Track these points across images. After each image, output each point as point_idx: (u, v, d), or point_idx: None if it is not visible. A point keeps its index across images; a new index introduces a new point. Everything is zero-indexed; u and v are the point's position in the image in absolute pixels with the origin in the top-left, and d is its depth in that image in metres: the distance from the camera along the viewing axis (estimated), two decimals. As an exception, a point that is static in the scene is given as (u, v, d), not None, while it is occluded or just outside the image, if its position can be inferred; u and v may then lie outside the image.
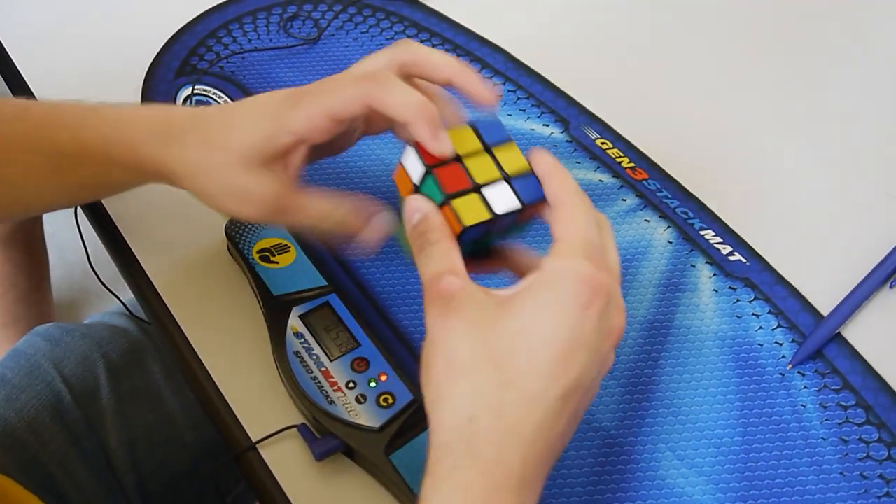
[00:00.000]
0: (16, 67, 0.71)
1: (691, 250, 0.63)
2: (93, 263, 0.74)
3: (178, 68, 0.73)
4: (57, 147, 0.51)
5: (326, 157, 0.54)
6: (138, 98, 0.71)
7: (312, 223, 0.51)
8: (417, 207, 0.45)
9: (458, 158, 0.46)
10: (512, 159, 0.46)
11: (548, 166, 0.45)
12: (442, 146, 0.45)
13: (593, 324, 0.40)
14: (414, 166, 0.46)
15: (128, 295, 0.75)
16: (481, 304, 0.41)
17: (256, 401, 0.54)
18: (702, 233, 0.63)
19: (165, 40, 0.75)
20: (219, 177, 0.49)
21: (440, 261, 0.43)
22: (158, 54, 0.74)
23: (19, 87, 0.70)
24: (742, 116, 0.72)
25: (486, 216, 0.44)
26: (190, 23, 0.76)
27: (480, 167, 0.46)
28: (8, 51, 0.73)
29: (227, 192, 0.50)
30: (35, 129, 0.52)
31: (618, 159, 0.68)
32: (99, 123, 0.51)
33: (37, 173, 0.52)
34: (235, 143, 0.48)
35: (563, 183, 0.45)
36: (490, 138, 0.47)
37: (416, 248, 0.44)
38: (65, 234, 1.54)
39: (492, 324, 0.40)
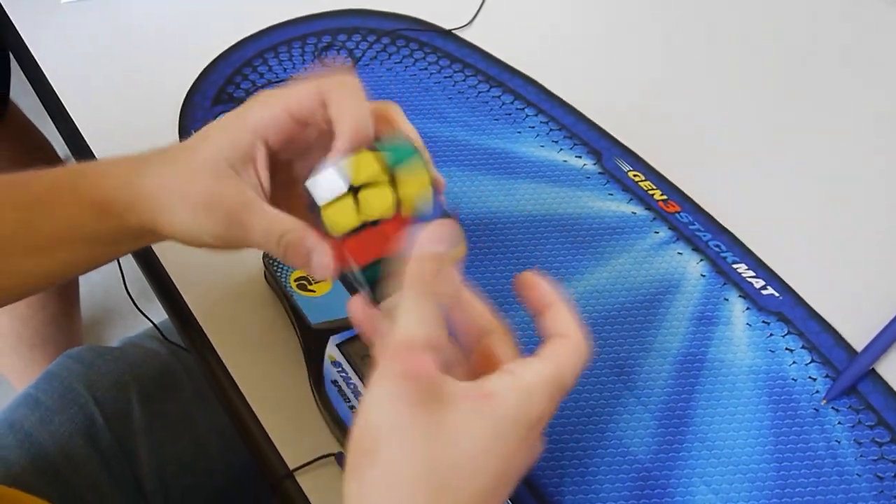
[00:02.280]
0: (57, 96, 0.73)
1: (724, 284, 0.63)
2: (117, 285, 0.74)
3: (215, 96, 0.74)
4: (25, 193, 0.50)
5: (299, 168, 0.52)
6: (176, 124, 0.72)
7: (259, 244, 0.47)
8: (443, 236, 0.41)
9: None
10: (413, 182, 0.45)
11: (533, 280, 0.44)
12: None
13: (527, 448, 0.40)
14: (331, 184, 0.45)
15: (158, 317, 0.76)
16: (443, 399, 0.38)
17: (293, 429, 0.54)
18: (735, 266, 0.64)
19: (202, 68, 0.76)
20: (182, 191, 0.47)
21: (433, 324, 0.39)
22: (196, 82, 0.75)
23: (60, 115, 0.72)
24: (776, 151, 0.73)
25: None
26: (226, 51, 0.78)
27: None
28: (49, 79, 0.74)
29: (192, 204, 0.47)
30: (8, 180, 0.51)
31: (650, 192, 0.68)
32: (73, 167, 0.51)
33: (8, 228, 0.50)
34: (201, 155, 0.47)
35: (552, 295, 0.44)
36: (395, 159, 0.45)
37: (411, 287, 0.40)
38: (89, 254, 1.56)
39: (437, 437, 0.37)
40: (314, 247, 0.45)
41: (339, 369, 0.54)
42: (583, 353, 0.42)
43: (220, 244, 0.48)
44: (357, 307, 0.44)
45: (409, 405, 0.37)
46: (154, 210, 0.48)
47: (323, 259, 0.45)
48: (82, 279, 1.46)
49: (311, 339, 0.56)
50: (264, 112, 0.47)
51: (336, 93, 0.46)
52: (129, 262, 0.66)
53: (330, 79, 0.47)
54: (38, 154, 1.09)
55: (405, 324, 0.38)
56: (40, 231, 0.50)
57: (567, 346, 0.42)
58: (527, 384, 0.39)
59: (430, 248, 0.40)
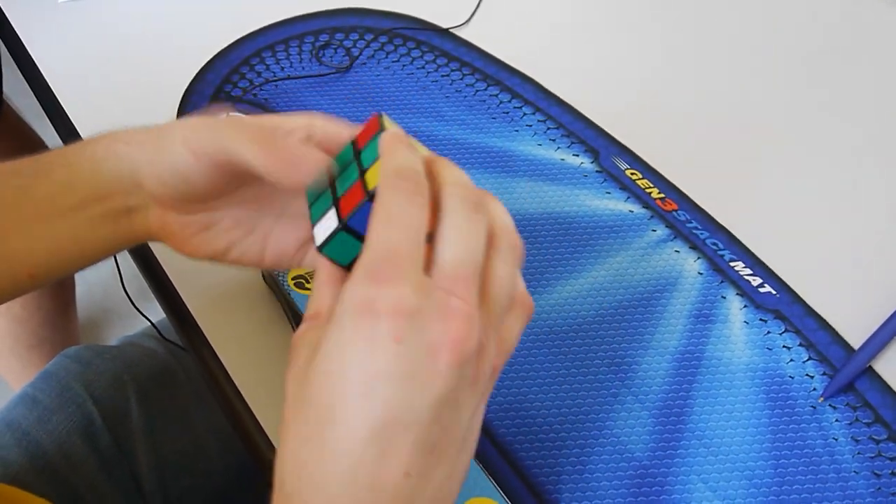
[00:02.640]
0: (54, 95, 0.73)
1: (721, 282, 0.63)
2: (114, 284, 0.74)
3: (213, 95, 0.74)
4: (35, 162, 0.50)
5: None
6: (173, 124, 0.72)
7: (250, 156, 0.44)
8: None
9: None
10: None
11: (384, 143, 0.40)
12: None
13: (390, 350, 0.33)
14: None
15: (155, 316, 0.77)
16: (308, 347, 0.36)
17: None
18: (732, 264, 0.64)
19: (200, 67, 0.76)
20: (169, 135, 0.45)
21: (308, 306, 0.39)
22: (193, 81, 0.75)
23: (57, 114, 0.72)
24: (774, 149, 0.73)
25: None
26: (224, 50, 0.78)
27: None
28: (46, 78, 0.74)
29: (179, 140, 0.45)
30: (21, 160, 0.50)
31: (647, 190, 0.68)
32: (62, 148, 0.50)
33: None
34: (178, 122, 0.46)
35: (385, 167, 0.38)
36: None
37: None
38: (87, 254, 1.56)
39: (303, 374, 0.36)
40: (301, 154, 0.43)
41: (337, 368, 0.54)
42: (398, 201, 0.37)
43: (194, 165, 0.45)
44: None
45: (291, 367, 0.37)
46: (150, 143, 0.46)
47: (310, 164, 0.43)
48: (79, 279, 1.46)
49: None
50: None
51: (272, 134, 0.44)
52: (126, 261, 0.66)
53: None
54: (32, 153, 1.09)
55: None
56: (34, 197, 0.49)
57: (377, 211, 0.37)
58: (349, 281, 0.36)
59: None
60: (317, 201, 0.43)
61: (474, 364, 0.35)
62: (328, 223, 0.41)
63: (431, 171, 0.39)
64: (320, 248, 0.41)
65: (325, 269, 0.39)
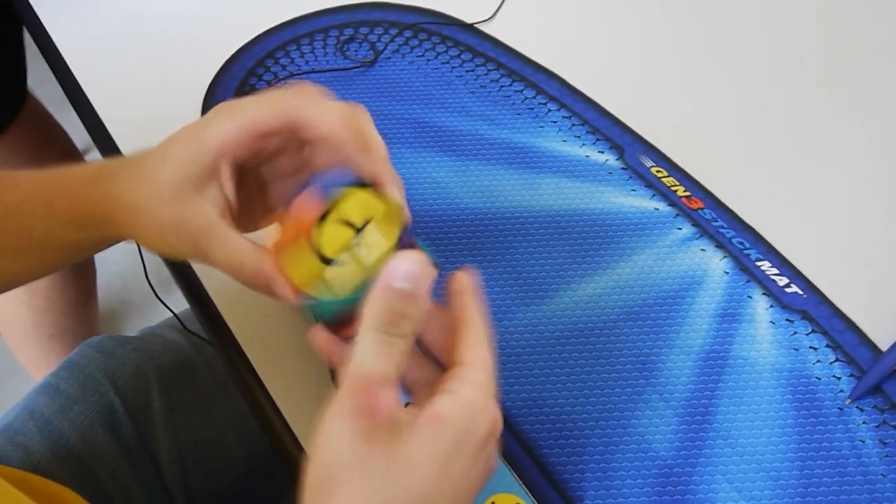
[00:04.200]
0: (80, 87, 0.73)
1: (748, 281, 0.62)
2: (134, 276, 0.75)
3: (238, 88, 0.74)
4: (3, 201, 0.51)
5: (267, 172, 0.52)
6: (198, 115, 0.72)
7: (222, 270, 0.47)
8: (409, 274, 0.38)
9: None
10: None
11: (468, 286, 0.44)
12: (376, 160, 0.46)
13: (482, 461, 0.41)
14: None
15: (176, 307, 0.77)
16: (398, 433, 0.38)
17: (314, 419, 0.54)
18: (758, 264, 0.63)
19: (225, 59, 0.76)
20: (150, 213, 0.47)
21: (395, 363, 0.38)
22: (218, 74, 0.75)
23: (83, 106, 0.72)
24: (800, 147, 0.72)
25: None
26: (249, 43, 0.78)
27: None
28: (73, 70, 0.74)
29: (161, 226, 0.47)
30: None
31: (673, 188, 0.68)
32: (42, 177, 0.51)
33: None
34: (162, 176, 0.46)
35: (476, 306, 0.44)
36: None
37: (376, 322, 0.38)
38: (107, 245, 1.57)
39: (393, 470, 0.37)
40: (272, 278, 0.46)
41: (362, 361, 0.54)
42: (486, 333, 0.43)
43: (194, 259, 0.49)
44: (320, 336, 0.45)
45: (365, 442, 0.37)
46: (131, 226, 0.48)
47: (283, 291, 0.46)
48: (100, 270, 1.47)
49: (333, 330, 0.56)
50: (223, 129, 0.46)
51: (310, 103, 0.46)
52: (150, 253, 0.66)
53: (294, 93, 0.47)
54: (55, 145, 1.09)
55: (362, 360, 0.37)
56: (15, 236, 0.51)
57: (473, 334, 0.43)
58: (470, 400, 0.40)
59: (393, 284, 0.38)
60: None
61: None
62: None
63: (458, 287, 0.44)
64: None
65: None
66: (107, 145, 0.69)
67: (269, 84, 0.74)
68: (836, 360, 0.59)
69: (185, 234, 0.47)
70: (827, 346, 0.59)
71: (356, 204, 0.45)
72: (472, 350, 0.42)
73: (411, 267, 0.37)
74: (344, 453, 0.37)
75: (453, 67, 0.77)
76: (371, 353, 0.37)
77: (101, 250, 0.55)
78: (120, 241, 0.52)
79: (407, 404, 0.45)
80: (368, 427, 0.37)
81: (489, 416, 0.40)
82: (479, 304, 0.44)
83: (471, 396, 0.40)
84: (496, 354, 0.43)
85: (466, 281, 0.44)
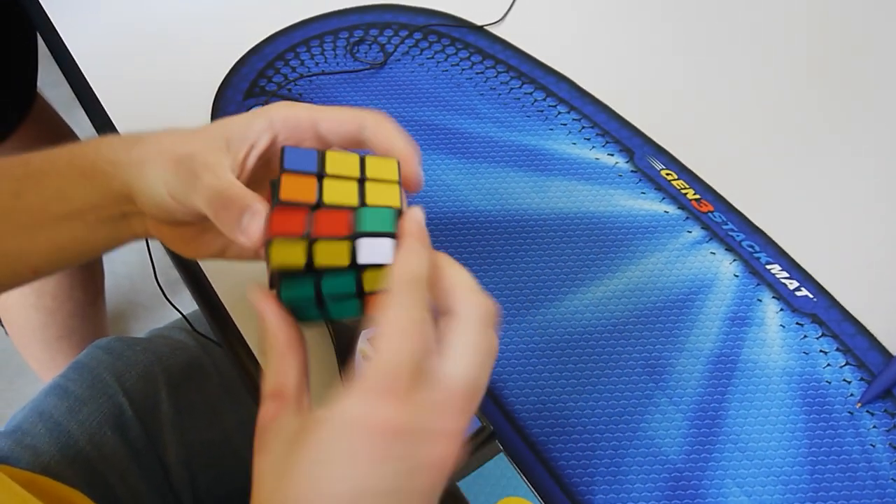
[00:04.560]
0: (90, 87, 0.73)
1: (757, 284, 0.62)
2: (142, 277, 0.75)
3: (247, 90, 0.74)
4: (25, 166, 0.50)
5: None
6: (208, 117, 0.72)
7: (201, 200, 0.45)
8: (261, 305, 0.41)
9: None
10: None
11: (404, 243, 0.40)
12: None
13: (378, 470, 0.36)
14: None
15: (184, 309, 0.77)
16: (284, 438, 0.37)
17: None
18: (768, 267, 0.63)
19: (235, 61, 0.76)
20: (169, 147, 0.46)
21: (268, 377, 0.40)
22: (228, 75, 0.75)
23: (93, 106, 0.72)
24: (810, 150, 0.72)
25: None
26: (259, 45, 0.78)
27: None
28: (84, 71, 0.74)
29: (166, 157, 0.46)
30: (12, 158, 0.51)
31: (683, 191, 0.68)
32: (73, 144, 0.50)
33: None
34: (211, 126, 0.47)
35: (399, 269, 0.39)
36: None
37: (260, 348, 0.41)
38: (115, 246, 1.57)
39: (284, 469, 0.37)
40: (251, 208, 0.42)
41: (371, 363, 0.54)
42: (405, 315, 0.38)
43: (174, 202, 0.46)
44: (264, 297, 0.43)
45: (259, 455, 0.38)
46: (134, 167, 0.47)
47: (253, 222, 0.42)
48: (108, 271, 1.47)
49: (343, 333, 0.56)
50: (290, 111, 0.47)
51: (379, 129, 0.46)
52: (159, 252, 0.66)
53: (369, 113, 0.47)
54: (62, 143, 1.10)
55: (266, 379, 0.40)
56: (28, 204, 0.49)
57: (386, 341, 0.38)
58: (351, 393, 0.37)
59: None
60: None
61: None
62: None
63: (435, 264, 0.40)
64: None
65: (281, 333, 0.40)
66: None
67: (279, 86, 0.74)
68: (847, 363, 0.58)
69: (186, 164, 0.45)
70: (837, 349, 0.59)
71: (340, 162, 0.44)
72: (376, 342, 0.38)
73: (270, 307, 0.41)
74: (255, 474, 0.38)
75: (463, 70, 0.77)
76: (269, 371, 0.41)
77: (110, 233, 0.52)
78: (124, 224, 0.50)
79: None
80: (259, 443, 0.39)
81: (371, 429, 0.36)
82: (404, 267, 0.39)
83: (341, 406, 0.37)
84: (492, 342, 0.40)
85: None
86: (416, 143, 0.47)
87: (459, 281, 0.40)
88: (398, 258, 0.39)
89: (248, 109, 0.72)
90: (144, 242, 0.69)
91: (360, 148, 0.47)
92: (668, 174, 0.69)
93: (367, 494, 0.35)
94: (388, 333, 0.37)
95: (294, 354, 0.41)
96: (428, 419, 0.37)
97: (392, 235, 0.40)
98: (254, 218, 0.42)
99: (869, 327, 0.60)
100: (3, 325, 1.24)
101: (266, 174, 0.49)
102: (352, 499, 0.35)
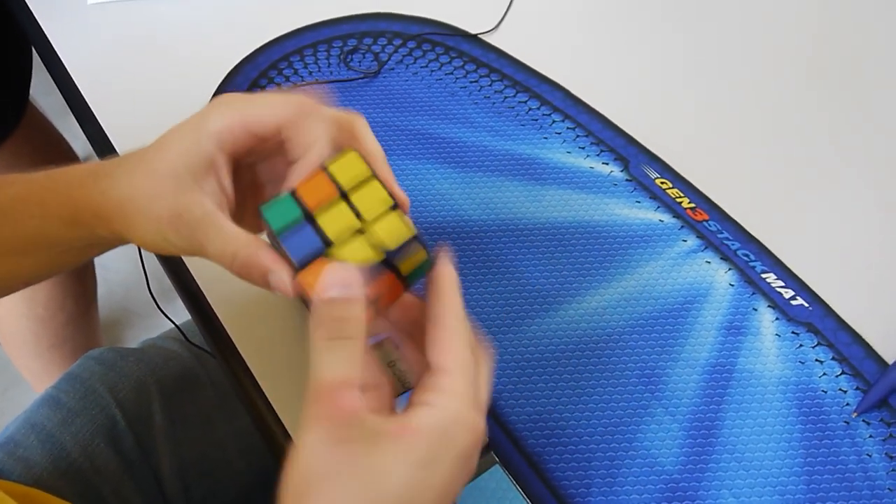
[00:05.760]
0: (83, 97, 0.73)
1: (753, 293, 0.62)
2: (135, 285, 0.74)
3: (241, 99, 0.73)
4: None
5: (263, 171, 0.52)
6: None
7: (216, 260, 0.46)
8: (342, 280, 0.40)
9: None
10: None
11: (443, 281, 0.42)
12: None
13: (463, 470, 0.40)
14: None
15: (178, 318, 0.76)
16: (369, 437, 0.38)
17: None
18: (763, 276, 0.63)
19: (228, 71, 0.76)
20: (148, 204, 0.46)
21: (347, 365, 0.39)
22: (221, 84, 0.75)
23: (86, 116, 0.72)
24: (804, 159, 0.72)
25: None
26: (252, 54, 0.77)
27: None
28: (75, 80, 0.74)
29: (157, 219, 0.46)
30: None
31: (678, 199, 0.68)
32: (37, 177, 0.50)
33: None
34: (162, 166, 0.46)
35: (451, 302, 0.42)
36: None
37: (320, 332, 0.40)
38: (108, 254, 1.56)
39: (366, 476, 0.37)
40: (271, 267, 0.44)
41: (366, 375, 0.53)
42: (465, 336, 0.41)
43: (188, 254, 0.47)
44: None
45: (336, 446, 0.37)
46: (122, 221, 0.47)
47: (281, 278, 0.44)
48: (101, 279, 1.46)
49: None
50: (222, 122, 0.46)
51: (301, 119, 0.46)
52: (152, 262, 0.66)
53: (295, 101, 0.46)
54: (56, 154, 1.09)
55: (317, 368, 0.39)
56: (5, 238, 0.50)
57: (448, 337, 0.41)
58: (446, 412, 0.39)
59: (328, 294, 0.40)
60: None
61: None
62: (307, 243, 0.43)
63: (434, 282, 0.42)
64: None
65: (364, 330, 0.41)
66: (108, 154, 0.69)
67: (272, 95, 0.74)
68: (843, 373, 0.58)
69: (183, 224, 0.45)
70: (833, 358, 0.59)
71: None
72: (449, 354, 0.40)
73: (341, 274, 0.40)
74: (317, 460, 0.37)
75: (457, 78, 0.77)
76: (324, 361, 0.39)
77: (93, 254, 0.54)
78: (111, 244, 0.51)
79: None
80: (337, 431, 0.37)
81: (468, 426, 0.39)
82: (456, 300, 0.42)
83: (447, 408, 0.39)
84: (486, 358, 0.43)
85: (443, 274, 0.43)
86: (386, 148, 0.48)
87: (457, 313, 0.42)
88: (448, 295, 0.42)
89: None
90: (137, 251, 0.68)
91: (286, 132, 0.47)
92: (662, 183, 0.69)
93: (448, 488, 0.39)
94: (462, 347, 0.41)
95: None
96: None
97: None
98: (280, 281, 0.44)
99: (865, 336, 0.60)
100: (-5, 335, 1.23)
101: (239, 177, 0.49)
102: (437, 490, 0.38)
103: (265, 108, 0.46)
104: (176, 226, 0.46)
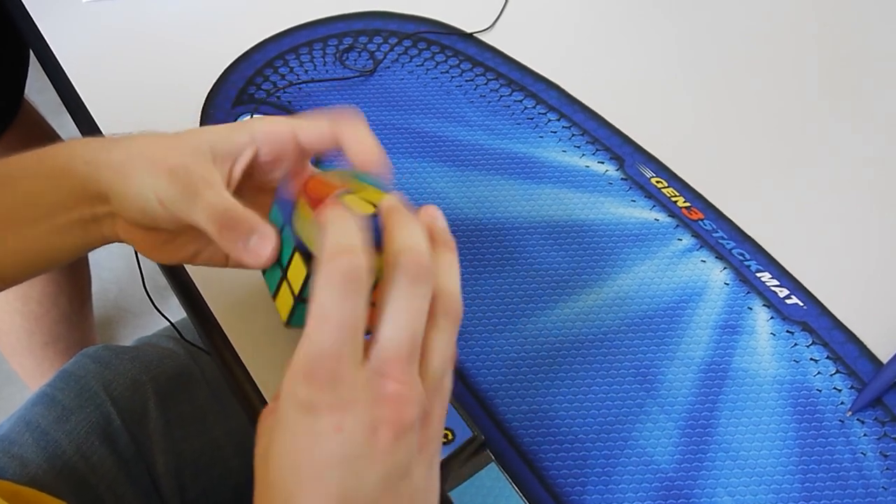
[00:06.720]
0: (78, 95, 0.73)
1: (748, 292, 0.62)
2: (130, 283, 0.74)
3: (236, 97, 0.73)
4: (1, 168, 0.50)
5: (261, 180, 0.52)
6: (196, 124, 0.71)
7: (202, 216, 0.45)
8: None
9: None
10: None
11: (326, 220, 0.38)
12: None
13: (333, 440, 0.35)
14: None
15: (173, 316, 0.76)
16: (265, 437, 0.39)
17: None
18: (758, 275, 0.63)
19: (223, 69, 0.76)
20: (156, 154, 0.46)
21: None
22: (217, 82, 0.75)
23: (81, 115, 0.72)
24: (801, 159, 0.72)
25: None
26: (247, 52, 0.77)
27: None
28: (70, 78, 0.74)
29: (158, 166, 0.45)
30: None
31: (673, 198, 0.68)
32: (45, 147, 0.50)
33: None
34: (193, 136, 0.47)
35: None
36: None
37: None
38: (102, 252, 1.56)
39: (264, 460, 0.38)
40: (259, 230, 0.44)
41: (361, 373, 0.53)
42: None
43: (164, 210, 0.46)
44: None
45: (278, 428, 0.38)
46: (116, 169, 0.47)
47: (263, 242, 0.44)
48: (95, 277, 1.46)
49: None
50: (271, 126, 0.48)
51: (349, 134, 0.48)
52: (147, 259, 0.66)
53: (342, 121, 0.48)
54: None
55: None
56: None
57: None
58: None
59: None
60: (269, 270, 0.46)
61: (418, 432, 0.37)
62: (285, 298, 0.44)
63: (386, 227, 0.40)
64: (287, 324, 0.44)
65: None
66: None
67: (269, 93, 0.74)
68: (837, 371, 0.59)
69: (183, 173, 0.45)
70: (827, 357, 0.59)
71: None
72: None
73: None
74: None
75: (453, 77, 0.77)
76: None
77: (80, 236, 0.51)
78: (97, 222, 0.49)
79: None
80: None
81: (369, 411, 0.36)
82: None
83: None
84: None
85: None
86: (384, 147, 0.49)
87: (396, 240, 0.39)
88: (323, 241, 0.37)
89: (237, 117, 0.72)
90: (132, 248, 0.68)
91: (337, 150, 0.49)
92: (658, 182, 0.69)
93: (330, 464, 0.36)
94: (314, 320, 0.36)
95: None
96: (368, 388, 0.36)
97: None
98: (262, 241, 0.44)
99: (859, 335, 0.60)
100: (-12, 332, 1.23)
101: (248, 186, 0.49)
102: (317, 470, 0.36)
103: (314, 124, 0.48)
104: (176, 174, 0.45)
